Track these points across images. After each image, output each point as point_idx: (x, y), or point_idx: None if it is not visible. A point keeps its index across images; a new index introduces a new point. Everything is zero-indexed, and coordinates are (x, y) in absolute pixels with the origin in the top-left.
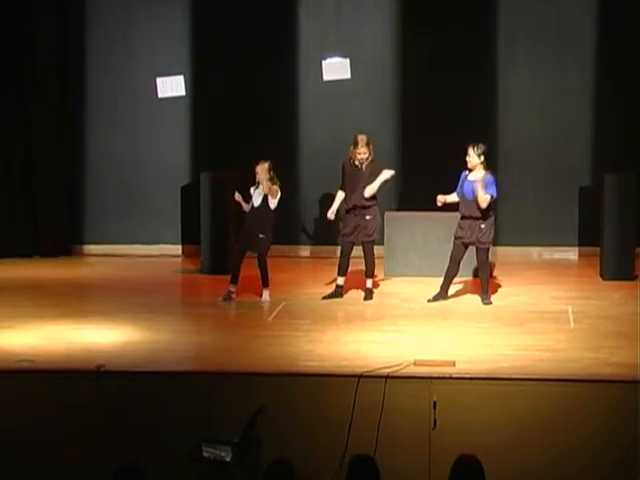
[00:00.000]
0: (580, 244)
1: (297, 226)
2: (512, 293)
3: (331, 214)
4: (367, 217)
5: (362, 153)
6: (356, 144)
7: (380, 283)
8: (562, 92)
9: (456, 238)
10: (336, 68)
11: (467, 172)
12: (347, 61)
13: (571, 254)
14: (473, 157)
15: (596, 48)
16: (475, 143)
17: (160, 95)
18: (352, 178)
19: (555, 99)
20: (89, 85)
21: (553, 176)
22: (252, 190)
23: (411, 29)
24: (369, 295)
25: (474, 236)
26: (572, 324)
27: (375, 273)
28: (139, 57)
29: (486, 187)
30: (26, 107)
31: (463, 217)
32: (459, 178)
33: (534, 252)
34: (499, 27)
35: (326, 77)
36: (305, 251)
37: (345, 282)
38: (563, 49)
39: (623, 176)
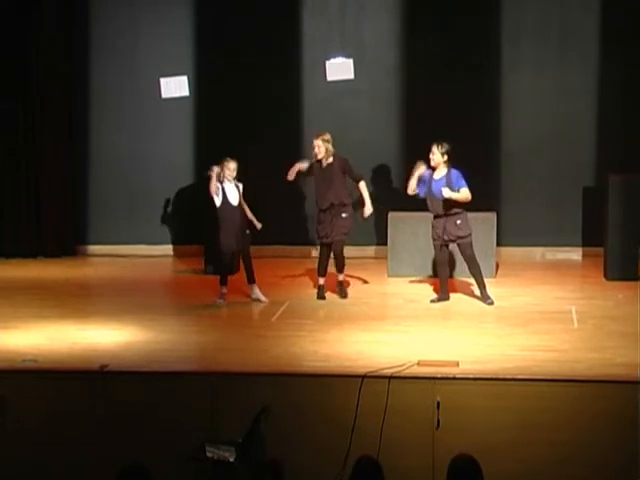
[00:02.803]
0: (584, 244)
1: (300, 226)
2: (516, 294)
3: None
4: (343, 215)
5: (315, 146)
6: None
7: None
8: (566, 92)
9: (434, 240)
10: (340, 68)
11: (431, 171)
12: (350, 61)
13: (575, 254)
14: (436, 155)
15: (600, 47)
16: (440, 141)
17: (164, 95)
18: (323, 176)
19: (559, 99)
20: (93, 85)
21: (557, 176)
22: (218, 185)
23: (414, 29)
24: (342, 290)
25: (452, 234)
26: (576, 324)
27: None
28: (143, 57)
29: (456, 181)
30: (29, 108)
31: (435, 216)
32: (423, 177)
33: (538, 252)
34: (503, 27)
35: (330, 77)
36: (309, 251)
37: (325, 281)
38: (567, 49)
39: (627, 177)
